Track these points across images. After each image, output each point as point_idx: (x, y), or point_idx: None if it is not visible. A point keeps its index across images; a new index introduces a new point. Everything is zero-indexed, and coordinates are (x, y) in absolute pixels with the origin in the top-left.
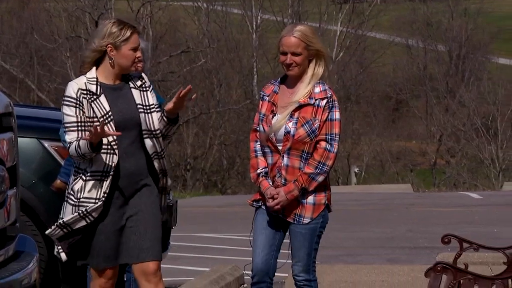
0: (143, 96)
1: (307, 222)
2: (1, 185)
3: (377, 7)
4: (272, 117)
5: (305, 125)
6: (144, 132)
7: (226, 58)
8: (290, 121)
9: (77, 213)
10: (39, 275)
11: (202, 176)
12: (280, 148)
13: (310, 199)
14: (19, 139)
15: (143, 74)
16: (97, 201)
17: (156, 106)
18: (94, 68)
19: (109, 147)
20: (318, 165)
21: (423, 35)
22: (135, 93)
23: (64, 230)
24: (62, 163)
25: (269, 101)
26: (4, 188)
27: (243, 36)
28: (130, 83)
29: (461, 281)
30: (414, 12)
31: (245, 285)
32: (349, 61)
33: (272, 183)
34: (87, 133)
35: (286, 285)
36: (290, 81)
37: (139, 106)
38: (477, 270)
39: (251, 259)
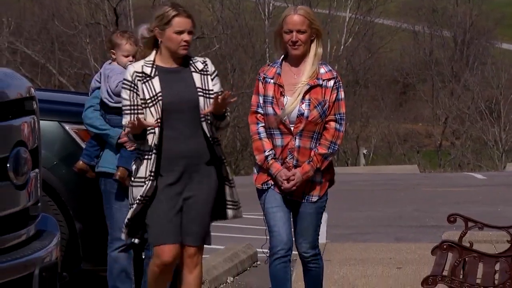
0: (203, 80)
1: (315, 200)
2: (24, 166)
3: None
4: (282, 99)
5: (318, 106)
6: (201, 116)
7: (239, 44)
8: (303, 103)
9: (135, 203)
10: (61, 253)
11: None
12: (292, 129)
13: (318, 177)
14: (41, 122)
15: (207, 60)
16: (145, 180)
17: (219, 94)
18: (154, 52)
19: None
20: (330, 145)
21: (429, 21)
22: (196, 76)
23: (132, 222)
24: (83, 145)
25: (274, 83)
26: (26, 169)
27: (256, 23)
28: (191, 66)
29: (466, 259)
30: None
31: (258, 262)
32: (357, 47)
33: (282, 165)
34: (135, 117)
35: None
36: (292, 61)
37: (198, 89)
38: (482, 248)
39: (266, 238)
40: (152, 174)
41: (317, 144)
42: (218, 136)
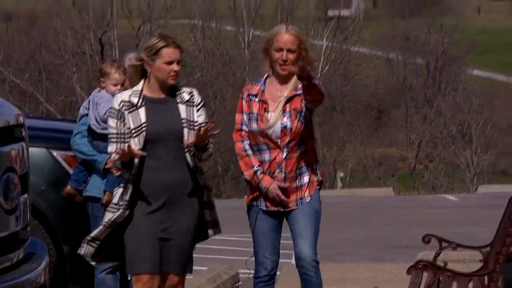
0: (189, 111)
1: (309, 200)
2: (13, 191)
3: (359, 24)
4: (266, 115)
5: (298, 116)
6: (185, 147)
7: (220, 72)
8: (284, 116)
9: (102, 225)
10: (49, 275)
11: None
12: (279, 143)
13: (305, 180)
14: (30, 148)
15: (194, 90)
16: (119, 207)
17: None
18: (142, 81)
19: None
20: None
21: (403, 49)
22: (181, 107)
23: (94, 244)
24: (70, 170)
25: (259, 100)
26: (16, 194)
27: (236, 51)
28: (177, 97)
29: (441, 278)
30: (394, 28)
31: (240, 283)
32: (334, 74)
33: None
34: (125, 145)
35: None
36: (279, 79)
37: (183, 120)
38: (456, 267)
39: (253, 256)
40: (126, 202)
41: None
42: (202, 167)
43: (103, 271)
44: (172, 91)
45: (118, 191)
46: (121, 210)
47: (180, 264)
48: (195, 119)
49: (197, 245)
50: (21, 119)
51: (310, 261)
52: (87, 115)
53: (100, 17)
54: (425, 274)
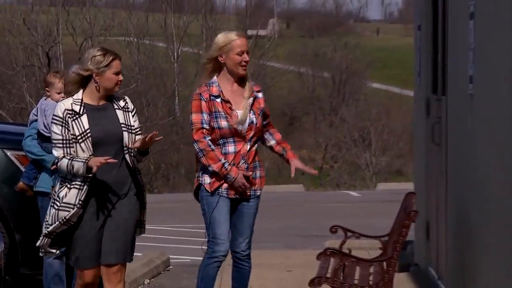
0: (126, 116)
1: (259, 194)
2: None
3: (275, 42)
4: (233, 113)
5: (260, 114)
6: (125, 149)
7: (153, 83)
8: (250, 113)
9: (58, 222)
10: (4, 260)
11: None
12: (246, 136)
13: (261, 173)
14: None
15: (127, 98)
16: (74, 207)
17: (138, 130)
18: (81, 90)
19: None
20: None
21: (312, 64)
22: (119, 113)
23: (51, 237)
24: (22, 168)
25: (222, 101)
26: None
27: (166, 65)
28: (114, 104)
29: (346, 263)
30: (304, 46)
31: (171, 266)
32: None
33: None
34: (71, 149)
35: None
36: (236, 79)
37: (122, 125)
38: (358, 254)
39: (207, 237)
40: (81, 202)
41: (273, 136)
42: (139, 167)
43: (50, 256)
44: (108, 99)
45: (70, 191)
46: (75, 209)
47: (120, 253)
48: (132, 123)
49: None
50: None
51: (245, 256)
52: (36, 120)
53: (47, 34)
54: (332, 260)
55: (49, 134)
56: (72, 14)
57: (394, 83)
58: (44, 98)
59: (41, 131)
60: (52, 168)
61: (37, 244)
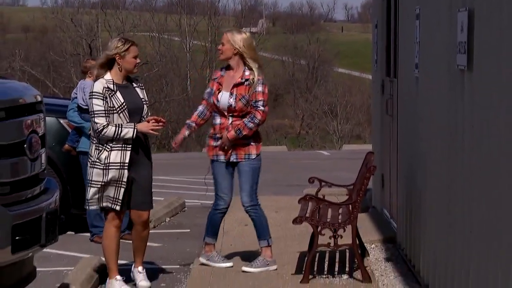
0: (143, 93)
1: (253, 158)
2: (35, 146)
3: (263, 37)
4: (218, 93)
5: (242, 99)
6: (143, 119)
7: (170, 68)
8: (231, 97)
9: (115, 185)
10: (58, 202)
11: (156, 140)
12: (226, 114)
13: (252, 141)
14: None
15: (138, 78)
16: (123, 165)
17: (147, 102)
18: (108, 72)
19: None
20: (249, 116)
21: (292, 54)
22: (138, 90)
23: (98, 193)
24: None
25: (217, 82)
26: (37, 148)
27: (181, 54)
28: (133, 83)
29: (321, 206)
30: (286, 40)
31: (186, 208)
32: None
33: (219, 140)
34: (109, 118)
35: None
36: (237, 69)
37: (142, 99)
38: (330, 199)
39: (215, 191)
40: (126, 162)
41: (245, 119)
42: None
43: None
44: (128, 79)
45: (112, 153)
46: (125, 170)
47: (150, 204)
48: (146, 98)
49: (154, 183)
50: (39, 97)
51: (248, 207)
52: (76, 97)
53: (89, 30)
54: (310, 203)
55: (86, 107)
56: (108, 15)
57: (355, 69)
58: (82, 80)
59: (80, 105)
60: (88, 133)
61: (87, 197)
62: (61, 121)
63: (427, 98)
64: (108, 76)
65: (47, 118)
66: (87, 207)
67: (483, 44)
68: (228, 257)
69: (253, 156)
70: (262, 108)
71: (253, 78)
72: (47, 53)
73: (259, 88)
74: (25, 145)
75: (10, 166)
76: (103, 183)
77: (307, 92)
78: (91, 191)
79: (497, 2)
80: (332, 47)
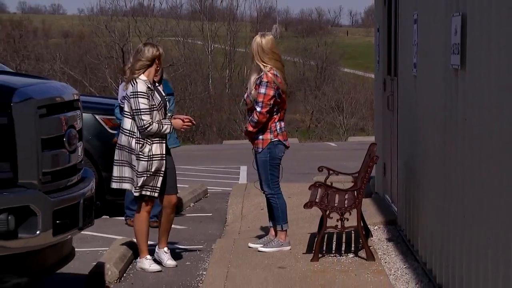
0: (163, 91)
1: (260, 151)
2: (73, 140)
3: (277, 40)
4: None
5: (250, 96)
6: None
7: (193, 69)
8: (246, 94)
9: (159, 176)
10: (94, 190)
11: (181, 134)
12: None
13: (259, 136)
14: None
15: (155, 79)
16: (163, 156)
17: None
18: (142, 74)
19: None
20: (251, 117)
21: (302, 55)
22: (160, 89)
23: (157, 190)
24: (106, 127)
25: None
26: (75, 141)
27: (203, 56)
28: (156, 84)
29: (329, 192)
30: (297, 43)
31: (208, 195)
32: None
33: None
34: (152, 114)
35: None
36: (258, 71)
37: (165, 97)
38: (337, 186)
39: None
40: (164, 153)
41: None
42: None
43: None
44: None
45: (154, 146)
46: (164, 160)
47: (176, 188)
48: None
49: (180, 172)
50: (77, 96)
51: (267, 194)
52: (123, 97)
53: (121, 35)
54: (319, 190)
55: (123, 105)
56: (138, 21)
57: (359, 68)
58: (123, 84)
59: (121, 105)
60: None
61: (138, 184)
62: (97, 117)
63: (424, 94)
64: (143, 77)
65: (84, 114)
66: (119, 187)
67: (475, 46)
68: (246, 238)
69: (260, 150)
70: (259, 109)
71: (258, 79)
72: (84, 56)
73: (262, 90)
74: (64, 139)
75: (51, 158)
76: (149, 174)
77: (316, 89)
78: (139, 180)
79: (487, 8)
80: (338, 49)
